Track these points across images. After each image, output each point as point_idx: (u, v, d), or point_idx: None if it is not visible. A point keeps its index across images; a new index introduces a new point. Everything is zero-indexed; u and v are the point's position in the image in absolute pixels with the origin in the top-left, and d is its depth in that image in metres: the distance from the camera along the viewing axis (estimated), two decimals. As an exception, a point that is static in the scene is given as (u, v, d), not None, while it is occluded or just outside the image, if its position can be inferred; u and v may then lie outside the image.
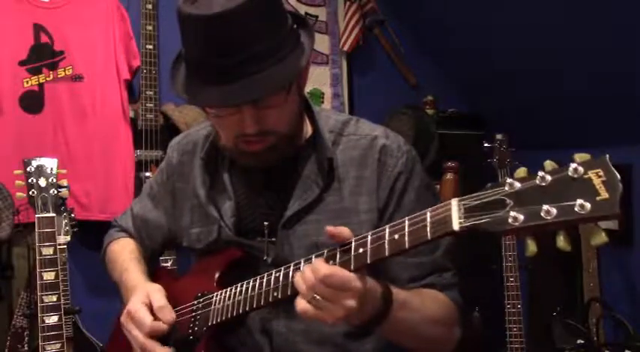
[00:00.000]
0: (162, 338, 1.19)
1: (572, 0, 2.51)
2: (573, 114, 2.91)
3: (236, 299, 1.15)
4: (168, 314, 1.19)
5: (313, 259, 0.99)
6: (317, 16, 3.39)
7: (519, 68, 3.00)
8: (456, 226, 0.81)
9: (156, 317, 1.18)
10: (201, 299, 1.24)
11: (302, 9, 3.31)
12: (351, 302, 0.92)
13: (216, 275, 1.25)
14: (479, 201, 0.80)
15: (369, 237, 0.94)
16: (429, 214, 0.87)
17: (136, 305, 1.20)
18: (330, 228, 0.96)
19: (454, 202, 0.83)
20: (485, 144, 2.50)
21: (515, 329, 2.34)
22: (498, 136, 2.49)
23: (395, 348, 1.22)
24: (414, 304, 1.08)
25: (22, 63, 2.60)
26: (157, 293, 1.22)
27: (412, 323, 1.07)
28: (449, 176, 2.74)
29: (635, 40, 2.44)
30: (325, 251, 0.99)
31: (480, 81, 3.35)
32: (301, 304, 0.95)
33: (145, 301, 1.20)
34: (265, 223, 1.24)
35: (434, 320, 1.13)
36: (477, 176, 2.62)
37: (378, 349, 1.23)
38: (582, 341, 2.27)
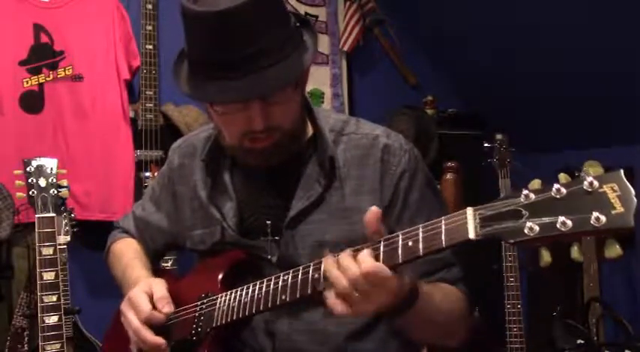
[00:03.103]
0: (162, 332, 1.19)
1: (572, 0, 2.51)
2: (573, 114, 2.91)
3: (242, 301, 1.15)
4: (167, 306, 1.20)
5: (347, 254, 0.96)
6: (317, 16, 3.39)
7: (519, 68, 3.01)
8: (472, 235, 0.83)
9: (155, 308, 1.19)
10: (204, 301, 1.24)
11: (302, 9, 3.31)
12: (384, 299, 0.93)
13: (220, 276, 1.25)
14: (494, 211, 0.82)
15: (382, 243, 0.94)
16: (443, 222, 0.88)
17: (136, 293, 1.21)
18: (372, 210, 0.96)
19: (469, 211, 0.84)
20: (485, 144, 2.50)
21: (515, 329, 2.34)
22: (498, 136, 2.49)
23: (397, 347, 1.23)
24: (436, 298, 1.09)
25: (22, 63, 2.59)
26: (158, 285, 1.24)
27: (432, 315, 1.08)
28: (449, 176, 2.74)
29: (635, 40, 2.44)
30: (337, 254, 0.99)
31: (480, 81, 3.35)
32: (332, 299, 0.95)
33: (147, 290, 1.22)
34: (268, 222, 1.24)
35: (451, 313, 1.15)
36: (477, 176, 2.63)
37: (380, 348, 1.23)
38: (582, 341, 2.26)
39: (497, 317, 2.46)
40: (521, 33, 2.84)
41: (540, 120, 3.14)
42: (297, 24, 1.18)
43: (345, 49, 3.40)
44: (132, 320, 1.19)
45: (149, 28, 2.80)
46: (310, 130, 1.28)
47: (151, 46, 2.80)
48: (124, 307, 1.22)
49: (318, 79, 3.34)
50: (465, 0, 3.01)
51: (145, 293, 1.21)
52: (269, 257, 1.23)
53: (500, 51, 3.04)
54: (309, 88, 3.26)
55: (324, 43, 3.38)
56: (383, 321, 1.20)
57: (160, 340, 1.17)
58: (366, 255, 0.93)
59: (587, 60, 2.64)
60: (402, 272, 0.96)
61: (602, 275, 2.43)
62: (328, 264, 0.97)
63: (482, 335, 2.71)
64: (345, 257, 0.95)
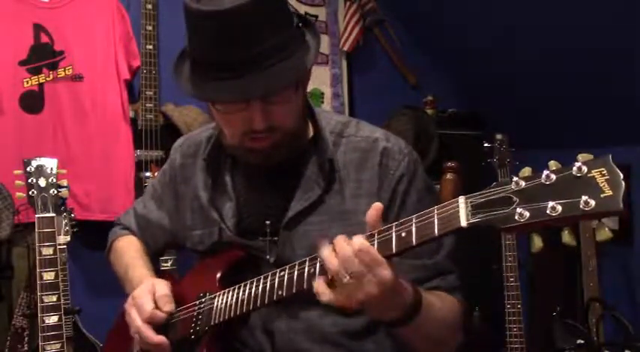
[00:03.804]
0: (162, 332, 1.20)
1: (572, 1, 2.51)
2: (573, 114, 2.91)
3: (239, 298, 1.15)
4: (167, 305, 1.21)
5: (340, 237, 0.97)
6: (317, 16, 3.39)
7: (519, 68, 3.01)
8: (463, 222, 0.83)
9: (157, 307, 1.20)
10: (203, 299, 1.25)
11: (302, 9, 3.31)
12: (373, 288, 0.92)
13: (218, 275, 1.26)
14: (485, 199, 0.83)
15: (376, 235, 0.94)
16: (436, 211, 0.88)
17: (140, 292, 1.23)
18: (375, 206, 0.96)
19: (461, 199, 0.85)
20: (486, 144, 2.50)
21: (515, 329, 2.34)
22: (498, 136, 2.49)
23: (396, 348, 1.23)
24: (436, 307, 1.09)
25: (22, 63, 2.59)
26: (161, 284, 1.25)
27: (431, 325, 1.08)
28: (449, 176, 2.74)
29: (634, 40, 2.44)
30: None
31: (480, 81, 3.35)
32: (321, 286, 0.95)
33: (151, 290, 1.23)
34: (267, 222, 1.24)
35: (447, 323, 1.15)
36: (477, 176, 2.62)
37: (379, 349, 1.23)
38: (582, 341, 2.27)
39: (497, 317, 2.46)
40: (521, 33, 2.84)
41: (540, 120, 3.14)
42: (300, 24, 1.18)
43: (345, 49, 3.40)
44: (135, 318, 1.20)
45: (149, 28, 2.81)
46: (311, 131, 1.28)
47: (151, 46, 2.80)
48: (128, 306, 1.23)
49: (318, 78, 3.34)
50: (465, 0, 3.01)
51: (149, 293, 1.22)
52: (267, 257, 1.24)
53: (500, 51, 3.04)
54: (309, 88, 3.26)
55: (324, 43, 3.38)
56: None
57: (161, 339, 1.18)
58: (357, 237, 0.94)
59: (587, 60, 2.64)
60: (396, 271, 0.95)
61: (602, 274, 2.43)
62: (324, 248, 0.97)
63: (482, 335, 2.72)
64: (339, 239, 0.96)
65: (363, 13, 3.41)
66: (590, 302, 2.36)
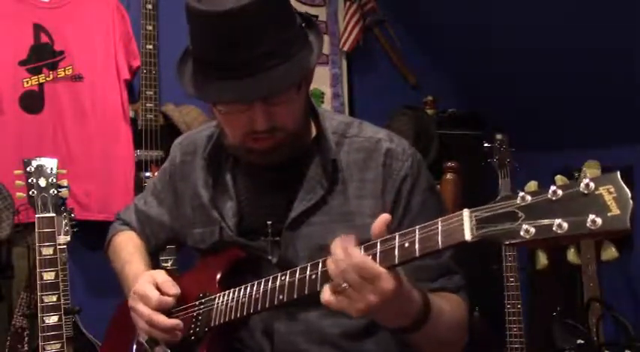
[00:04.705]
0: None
1: (571, 0, 2.51)
2: (573, 114, 2.91)
3: (239, 301, 1.15)
4: (173, 288, 1.21)
5: (339, 248, 0.97)
6: (317, 16, 3.39)
7: (519, 68, 3.01)
8: (468, 236, 0.82)
9: (162, 293, 1.20)
10: (203, 300, 1.24)
11: (302, 9, 3.31)
12: (373, 298, 0.91)
13: (218, 276, 1.25)
14: (490, 213, 0.81)
15: (379, 244, 0.94)
16: (440, 224, 0.87)
17: (141, 285, 1.22)
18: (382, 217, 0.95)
19: (466, 212, 0.84)
20: (485, 144, 2.50)
21: (515, 329, 2.34)
22: (498, 136, 2.49)
23: (395, 349, 1.23)
24: (446, 311, 1.08)
25: (22, 63, 2.59)
26: (160, 273, 1.25)
27: (441, 329, 1.07)
28: (449, 176, 2.73)
29: (634, 40, 2.44)
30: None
31: (480, 81, 3.35)
32: (326, 294, 0.95)
33: (150, 280, 1.23)
34: (268, 223, 1.24)
35: (456, 325, 1.14)
36: (477, 176, 2.63)
37: (379, 350, 1.23)
38: (582, 341, 2.26)
39: (497, 317, 2.46)
40: (522, 33, 2.84)
41: (540, 120, 3.14)
42: (303, 24, 1.17)
43: (345, 49, 3.40)
44: (143, 309, 1.19)
45: (149, 28, 2.81)
46: (314, 131, 1.28)
47: (151, 46, 2.80)
48: (132, 301, 1.23)
49: (318, 79, 3.32)
50: (465, 0, 3.01)
51: (150, 283, 1.22)
52: (269, 257, 1.23)
53: (500, 51, 3.04)
54: (309, 87, 3.26)
55: (324, 43, 3.38)
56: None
57: (175, 321, 1.18)
58: (356, 250, 0.94)
59: (587, 60, 2.64)
60: (402, 279, 0.94)
61: (602, 275, 2.43)
62: (328, 259, 0.97)
63: (482, 335, 2.72)
64: (340, 249, 0.95)
65: (363, 13, 3.41)
66: (590, 302, 2.36)
